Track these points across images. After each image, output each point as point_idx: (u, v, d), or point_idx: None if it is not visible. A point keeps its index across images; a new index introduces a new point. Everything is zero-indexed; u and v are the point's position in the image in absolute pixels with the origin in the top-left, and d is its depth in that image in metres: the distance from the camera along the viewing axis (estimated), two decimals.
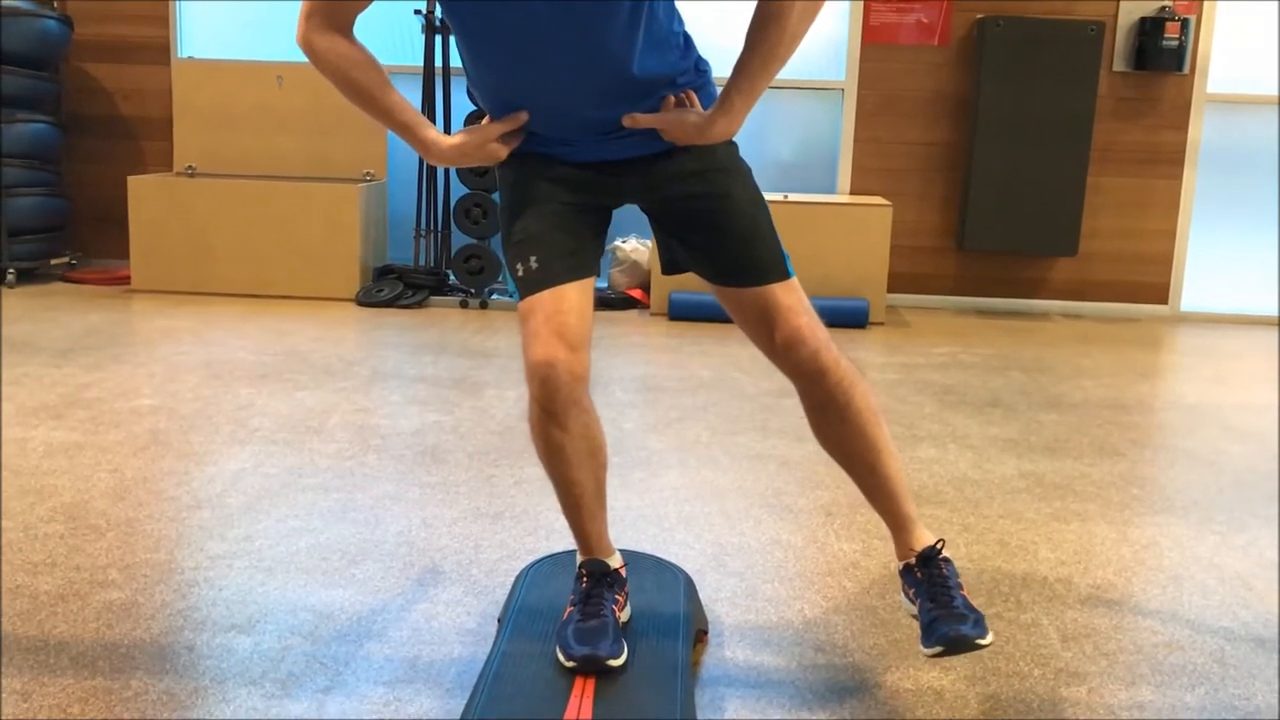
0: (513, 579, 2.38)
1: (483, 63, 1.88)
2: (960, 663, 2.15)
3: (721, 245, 1.96)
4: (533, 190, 1.96)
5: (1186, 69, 5.82)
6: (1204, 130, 5.94)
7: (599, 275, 2.03)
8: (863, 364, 4.69)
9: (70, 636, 2.17)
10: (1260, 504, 3.12)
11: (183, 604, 2.32)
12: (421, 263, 5.98)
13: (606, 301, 5.77)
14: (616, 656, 1.93)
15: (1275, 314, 6.05)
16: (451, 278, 5.89)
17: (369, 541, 2.67)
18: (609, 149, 1.93)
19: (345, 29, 1.88)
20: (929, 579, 1.99)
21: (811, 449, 2.18)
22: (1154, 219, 6.02)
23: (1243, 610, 2.44)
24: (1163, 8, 5.75)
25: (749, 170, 2.00)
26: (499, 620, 2.21)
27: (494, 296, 5.78)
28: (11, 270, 5.74)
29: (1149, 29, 5.72)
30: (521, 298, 1.94)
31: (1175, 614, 2.41)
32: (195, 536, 2.68)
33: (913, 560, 2.03)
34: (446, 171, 5.92)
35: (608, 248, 5.89)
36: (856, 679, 2.11)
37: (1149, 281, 6.09)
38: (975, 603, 2.01)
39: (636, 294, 5.89)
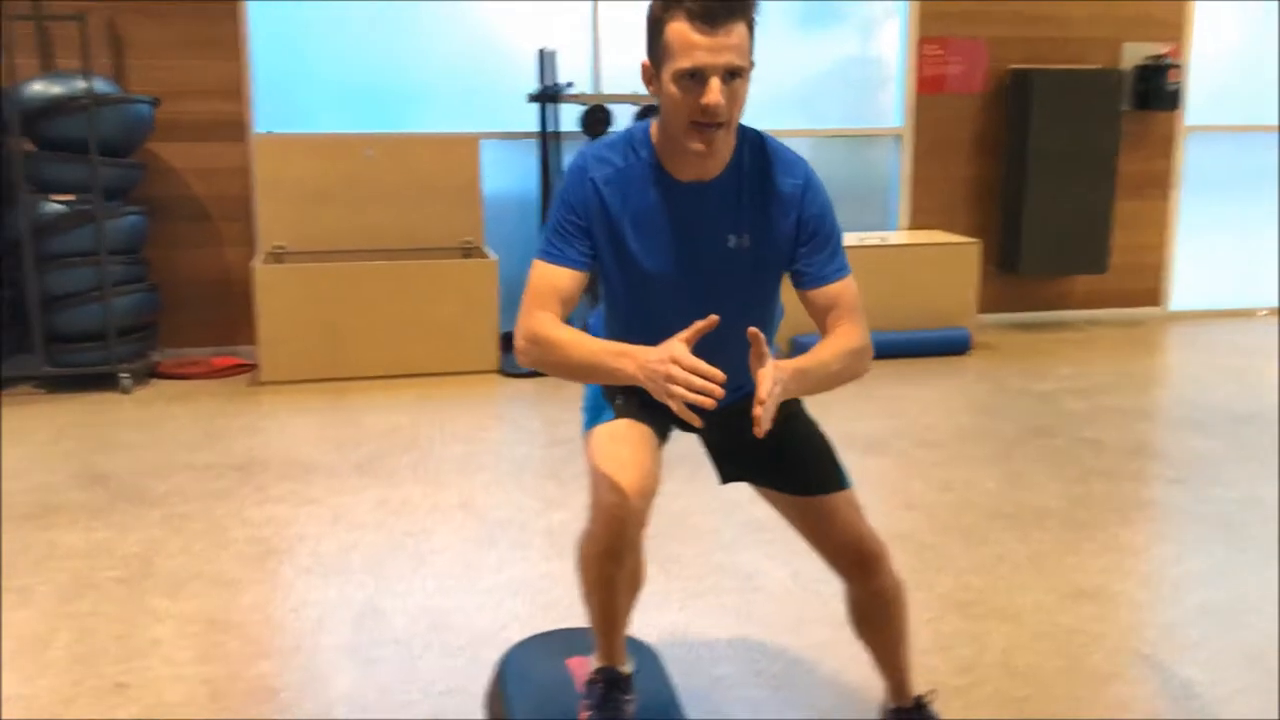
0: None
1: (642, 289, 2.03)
2: None
3: (784, 459, 2.09)
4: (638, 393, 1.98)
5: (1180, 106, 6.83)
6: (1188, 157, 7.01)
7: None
8: (1008, 388, 5.29)
9: None
10: None
11: None
12: None
13: None
14: None
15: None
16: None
17: None
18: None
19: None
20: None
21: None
22: (1150, 235, 7.03)
23: None
24: (1160, 56, 6.69)
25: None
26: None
27: None
28: (126, 374, 5.32)
29: (1150, 75, 6.65)
30: (615, 417, 2.02)
31: None
32: None
33: (908, 704, 2.24)
34: None
35: None
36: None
37: (1148, 287, 7.11)
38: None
39: None
